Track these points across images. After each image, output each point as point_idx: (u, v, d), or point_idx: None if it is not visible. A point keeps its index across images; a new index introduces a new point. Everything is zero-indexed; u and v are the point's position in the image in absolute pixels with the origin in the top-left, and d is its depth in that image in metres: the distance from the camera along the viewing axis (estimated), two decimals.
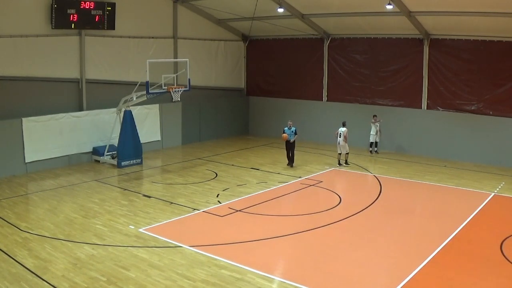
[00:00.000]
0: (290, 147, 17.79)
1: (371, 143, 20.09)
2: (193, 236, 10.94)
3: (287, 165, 17.84)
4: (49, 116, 17.26)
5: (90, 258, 9.55)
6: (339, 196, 14.05)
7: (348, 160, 17.97)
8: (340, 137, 17.60)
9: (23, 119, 16.53)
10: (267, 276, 8.83)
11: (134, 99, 17.51)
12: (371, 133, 19.95)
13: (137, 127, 18.00)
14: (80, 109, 18.56)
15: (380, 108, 20.68)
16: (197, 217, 12.27)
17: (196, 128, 22.88)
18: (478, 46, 18.33)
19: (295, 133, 17.70)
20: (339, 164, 17.85)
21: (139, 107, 19.49)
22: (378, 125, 19.85)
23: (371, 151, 20.06)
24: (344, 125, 17.91)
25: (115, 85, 19.35)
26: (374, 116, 19.93)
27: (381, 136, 19.99)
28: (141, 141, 18.36)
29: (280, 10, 18.87)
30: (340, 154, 17.88)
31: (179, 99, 17.22)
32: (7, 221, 11.70)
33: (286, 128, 17.83)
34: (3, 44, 16.19)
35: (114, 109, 18.42)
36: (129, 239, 10.66)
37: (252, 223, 11.96)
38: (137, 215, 12.29)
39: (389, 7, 16.44)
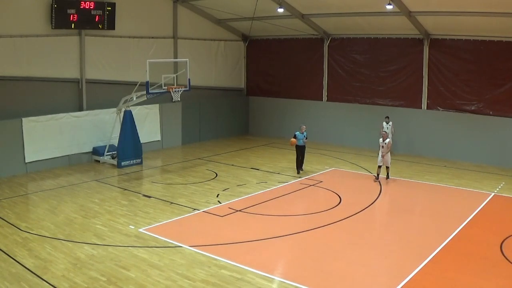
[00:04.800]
0: (301, 151, 16.78)
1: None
2: (193, 236, 10.94)
3: (298, 173, 16.73)
4: (49, 116, 17.26)
5: (90, 258, 9.55)
6: (339, 196, 14.05)
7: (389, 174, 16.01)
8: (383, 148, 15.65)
9: (23, 119, 16.53)
10: (267, 276, 8.83)
11: (134, 99, 17.51)
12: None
13: (137, 127, 18.00)
14: (80, 109, 18.56)
15: (380, 108, 20.67)
16: (197, 217, 12.27)
17: (196, 128, 22.87)
18: (478, 46, 18.33)
19: (306, 138, 16.76)
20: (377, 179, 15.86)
21: (139, 107, 19.48)
22: (389, 126, 19.47)
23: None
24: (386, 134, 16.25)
25: (115, 85, 19.34)
26: (386, 117, 19.68)
27: (392, 137, 19.65)
28: (141, 141, 18.36)
29: (280, 10, 18.85)
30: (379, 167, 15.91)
31: (179, 99, 17.22)
32: (7, 221, 11.70)
33: (298, 132, 16.71)
34: (3, 44, 16.19)
35: (114, 109, 18.42)
36: (129, 239, 10.66)
37: (252, 223, 11.96)
38: (137, 215, 12.29)
39: (389, 7, 16.43)
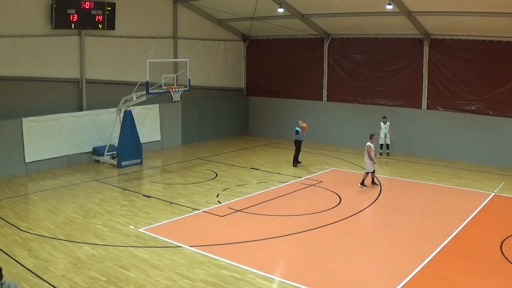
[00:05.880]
0: (300, 146, 17.91)
1: (381, 145, 19.77)
2: (193, 236, 10.94)
3: (295, 165, 17.77)
4: (49, 116, 17.25)
5: (90, 258, 9.55)
6: (339, 196, 14.05)
7: (365, 181, 15.00)
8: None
9: (23, 119, 16.52)
10: (267, 276, 8.83)
11: (134, 99, 17.51)
12: (380, 135, 19.53)
13: (137, 127, 18.00)
14: (80, 109, 18.55)
15: (380, 108, 20.67)
16: (197, 217, 12.27)
17: (196, 128, 22.87)
18: (478, 46, 18.32)
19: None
20: (372, 183, 15.12)
21: (139, 107, 19.48)
22: (387, 126, 19.45)
23: (381, 154, 19.79)
24: (370, 138, 15.26)
25: (115, 85, 19.34)
26: (384, 117, 19.65)
27: (391, 137, 19.56)
28: (141, 141, 18.36)
29: (280, 10, 18.84)
30: (373, 172, 15.07)
31: (179, 99, 17.23)
32: (7, 221, 11.70)
33: (298, 128, 17.76)
34: (3, 44, 16.19)
35: (114, 109, 18.42)
36: (129, 239, 10.66)
37: (252, 223, 11.96)
38: (137, 215, 12.29)
39: (389, 7, 16.42)
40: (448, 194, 14.56)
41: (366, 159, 15.01)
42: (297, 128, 17.80)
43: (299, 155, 18.04)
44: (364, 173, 15.18)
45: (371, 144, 15.02)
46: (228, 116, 24.30)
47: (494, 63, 17.98)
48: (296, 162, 17.92)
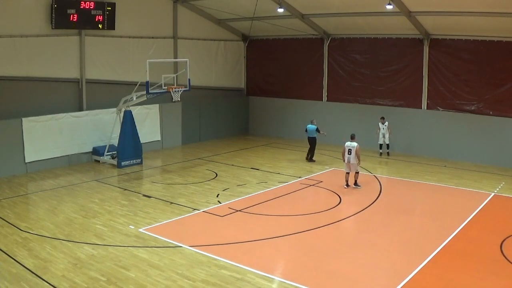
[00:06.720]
0: (315, 144, 19.04)
1: (380, 145, 19.84)
2: (193, 236, 10.94)
3: (311, 160, 18.80)
4: (49, 116, 17.26)
5: (90, 258, 9.55)
6: (339, 196, 14.05)
7: (358, 181, 14.99)
8: (350, 154, 14.72)
9: (23, 119, 16.53)
10: (267, 276, 8.83)
11: (134, 99, 17.51)
12: (379, 135, 19.57)
13: (137, 127, 18.00)
14: (80, 109, 18.55)
15: (380, 108, 20.66)
16: (197, 217, 12.27)
17: (196, 128, 22.87)
18: (478, 46, 18.32)
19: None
20: (347, 185, 14.92)
21: (139, 107, 19.48)
22: (385, 127, 19.49)
23: (380, 153, 19.84)
24: (353, 139, 15.01)
25: (115, 85, 19.34)
26: (382, 118, 19.65)
27: (390, 137, 19.59)
28: (141, 141, 18.35)
29: (280, 10, 18.85)
30: (348, 173, 14.97)
31: (179, 99, 17.23)
32: (7, 221, 11.70)
33: (313, 126, 18.83)
34: (3, 44, 16.19)
35: (114, 109, 18.42)
36: (129, 239, 10.66)
37: (252, 223, 11.96)
38: (137, 215, 12.29)
39: (389, 7, 16.43)
40: (448, 194, 14.56)
41: (354, 160, 14.70)
42: (312, 126, 18.74)
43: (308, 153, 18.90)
44: (354, 173, 15.01)
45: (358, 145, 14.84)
46: (228, 116, 24.29)
47: (494, 63, 17.98)
48: (311, 158, 18.79)
